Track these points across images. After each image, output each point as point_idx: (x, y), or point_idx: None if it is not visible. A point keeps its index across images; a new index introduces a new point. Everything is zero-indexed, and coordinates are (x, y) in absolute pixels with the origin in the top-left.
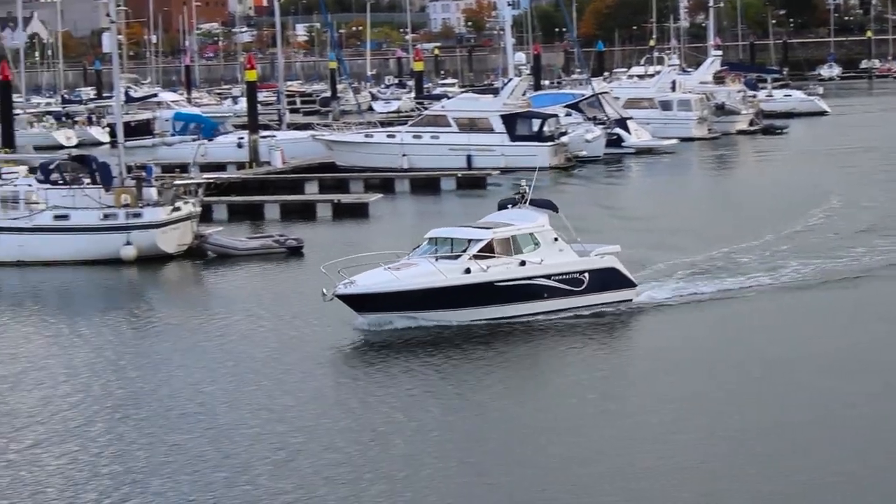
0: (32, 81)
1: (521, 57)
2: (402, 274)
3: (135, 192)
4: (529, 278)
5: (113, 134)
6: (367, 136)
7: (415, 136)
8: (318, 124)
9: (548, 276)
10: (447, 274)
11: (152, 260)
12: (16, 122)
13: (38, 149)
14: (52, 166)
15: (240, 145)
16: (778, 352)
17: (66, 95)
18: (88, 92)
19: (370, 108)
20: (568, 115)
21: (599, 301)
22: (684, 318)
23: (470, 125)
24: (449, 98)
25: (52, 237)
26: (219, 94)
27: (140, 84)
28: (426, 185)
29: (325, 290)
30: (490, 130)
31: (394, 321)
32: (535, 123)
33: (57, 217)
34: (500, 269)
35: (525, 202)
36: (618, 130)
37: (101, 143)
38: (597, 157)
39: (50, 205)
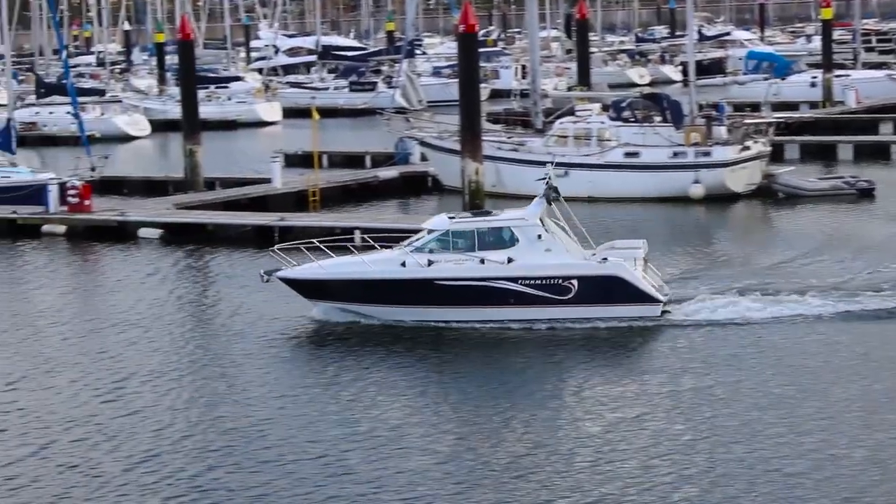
0: (607, 20)
1: None
2: (332, 262)
3: (705, 130)
4: (485, 279)
5: (685, 72)
6: None
7: None
8: (894, 63)
9: (514, 279)
10: (378, 266)
11: (720, 199)
12: (591, 60)
13: (611, 87)
14: (624, 104)
15: (813, 84)
16: None
17: (639, 34)
18: (662, 30)
19: None
20: None
21: (597, 315)
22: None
23: None
24: None
25: (621, 174)
26: (792, 32)
27: (713, 22)
28: None
29: (261, 271)
30: None
31: (335, 312)
32: None
33: (627, 154)
34: (447, 266)
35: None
36: None
37: (673, 82)
38: None
39: (621, 142)
